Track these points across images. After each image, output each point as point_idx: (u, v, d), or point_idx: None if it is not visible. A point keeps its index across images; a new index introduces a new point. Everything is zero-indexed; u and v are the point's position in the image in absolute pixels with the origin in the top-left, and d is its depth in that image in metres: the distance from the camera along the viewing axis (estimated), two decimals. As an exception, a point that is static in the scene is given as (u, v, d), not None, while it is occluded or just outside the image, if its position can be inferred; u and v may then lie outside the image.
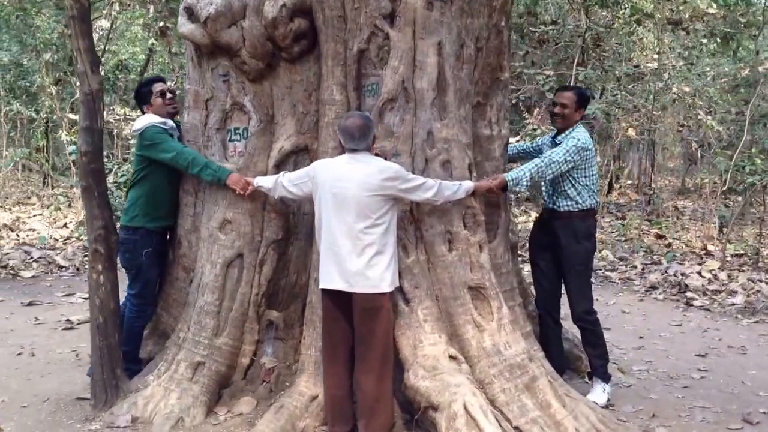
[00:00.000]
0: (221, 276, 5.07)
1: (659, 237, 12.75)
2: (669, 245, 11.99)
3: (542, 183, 5.35)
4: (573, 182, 5.16)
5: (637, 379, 5.95)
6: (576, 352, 5.89)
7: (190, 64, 5.30)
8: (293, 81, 5.03)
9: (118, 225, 5.33)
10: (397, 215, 4.65)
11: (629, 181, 19.76)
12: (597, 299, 8.41)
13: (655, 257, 11.15)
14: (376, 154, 4.67)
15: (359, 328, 4.36)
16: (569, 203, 5.19)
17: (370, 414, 4.37)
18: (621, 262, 10.92)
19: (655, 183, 18.80)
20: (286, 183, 4.64)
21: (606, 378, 5.34)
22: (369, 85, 4.77)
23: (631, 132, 15.24)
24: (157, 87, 5.38)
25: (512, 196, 5.92)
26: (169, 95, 5.35)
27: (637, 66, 14.92)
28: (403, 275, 4.67)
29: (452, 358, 4.61)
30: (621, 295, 9.17)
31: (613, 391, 5.54)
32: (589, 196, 5.22)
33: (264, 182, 4.79)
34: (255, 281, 5.09)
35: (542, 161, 4.97)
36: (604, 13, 14.20)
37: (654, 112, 14.87)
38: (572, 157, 5.02)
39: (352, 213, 4.25)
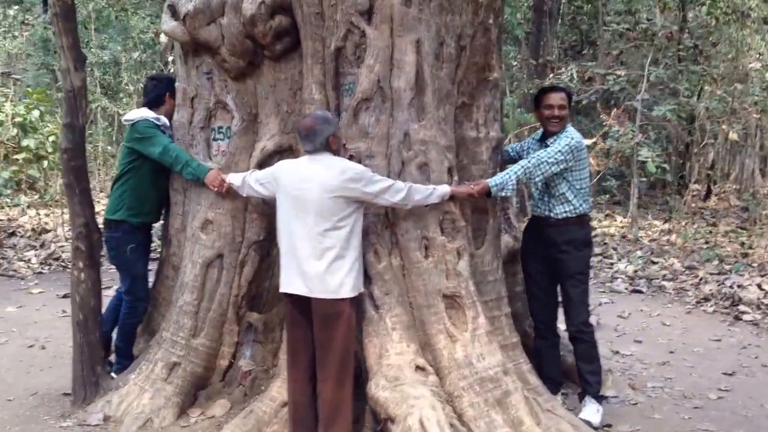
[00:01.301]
0: (201, 276, 5.10)
1: (743, 246, 12.21)
2: (745, 255, 11.45)
3: (533, 188, 5.17)
4: (569, 186, 4.98)
5: (647, 397, 5.71)
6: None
7: (178, 61, 5.37)
8: (277, 79, 5.03)
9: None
10: (370, 218, 4.60)
11: (735, 186, 18.93)
12: (641, 310, 8.24)
13: (725, 267, 10.67)
14: (351, 156, 4.61)
15: (318, 334, 4.31)
16: (567, 209, 5.02)
17: (328, 422, 4.33)
18: (687, 272, 10.48)
19: (763, 188, 17.91)
20: (253, 182, 4.63)
21: (599, 398, 5.13)
22: (347, 84, 4.72)
23: (733, 135, 14.64)
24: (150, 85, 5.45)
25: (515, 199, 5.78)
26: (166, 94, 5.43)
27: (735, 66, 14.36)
28: (373, 281, 4.61)
29: (419, 368, 4.51)
30: (669, 307, 8.83)
31: (615, 409, 5.37)
32: (584, 201, 5.05)
33: (234, 180, 4.80)
34: (235, 282, 5.11)
35: (529, 162, 4.82)
36: (698, 13, 13.79)
37: (755, 115, 14.32)
38: (565, 158, 4.86)
39: (311, 215, 4.21)
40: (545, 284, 5.20)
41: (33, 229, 11.52)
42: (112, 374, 5.44)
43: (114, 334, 5.64)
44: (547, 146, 5.01)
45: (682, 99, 12.30)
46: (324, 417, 4.34)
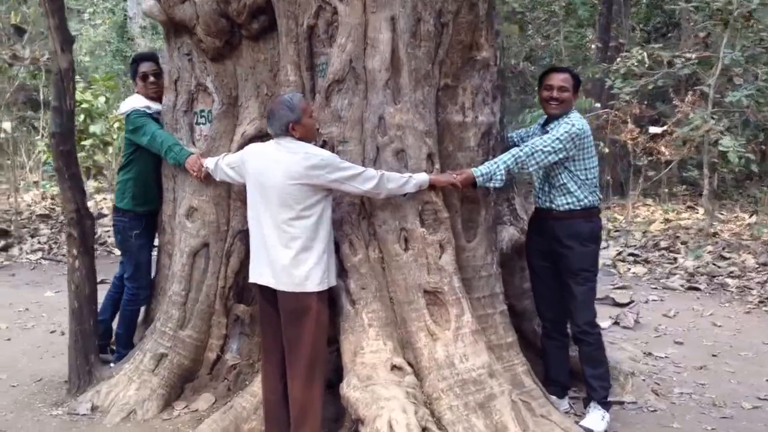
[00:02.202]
0: (188, 266, 5.04)
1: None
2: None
3: (536, 178, 4.84)
4: (571, 176, 4.64)
5: (669, 404, 5.31)
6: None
7: (165, 42, 5.26)
8: (256, 60, 4.88)
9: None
10: (345, 208, 4.41)
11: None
12: (692, 308, 7.78)
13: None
14: (324, 142, 4.42)
15: (285, 330, 4.16)
16: (570, 201, 4.68)
17: (297, 422, 4.19)
18: (760, 269, 9.79)
19: None
20: (224, 166, 4.51)
21: (606, 405, 4.78)
22: (320, 64, 4.54)
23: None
24: (142, 68, 5.40)
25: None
26: (151, 78, 5.34)
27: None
28: (349, 275, 4.43)
29: (396, 368, 4.32)
30: (726, 306, 8.26)
31: (629, 416, 5.03)
32: (591, 193, 4.70)
33: (209, 164, 4.68)
34: (221, 273, 5.03)
35: (522, 150, 4.50)
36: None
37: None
38: (564, 146, 4.52)
39: (275, 202, 4.06)
40: (550, 280, 4.88)
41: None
42: (112, 363, 5.45)
43: (115, 324, 5.65)
44: (547, 132, 4.67)
45: (761, 83, 11.40)
46: (293, 417, 4.20)
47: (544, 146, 4.51)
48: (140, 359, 5.11)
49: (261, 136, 4.86)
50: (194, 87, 5.01)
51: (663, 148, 11.90)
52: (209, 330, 5.06)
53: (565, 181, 4.66)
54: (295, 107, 4.09)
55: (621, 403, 5.22)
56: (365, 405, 4.08)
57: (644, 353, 6.39)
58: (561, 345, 4.99)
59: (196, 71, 4.98)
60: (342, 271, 4.44)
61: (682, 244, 11.12)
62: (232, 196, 4.96)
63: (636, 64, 11.89)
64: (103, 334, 5.70)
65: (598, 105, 12.77)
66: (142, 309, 5.67)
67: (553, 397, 4.92)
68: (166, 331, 5.06)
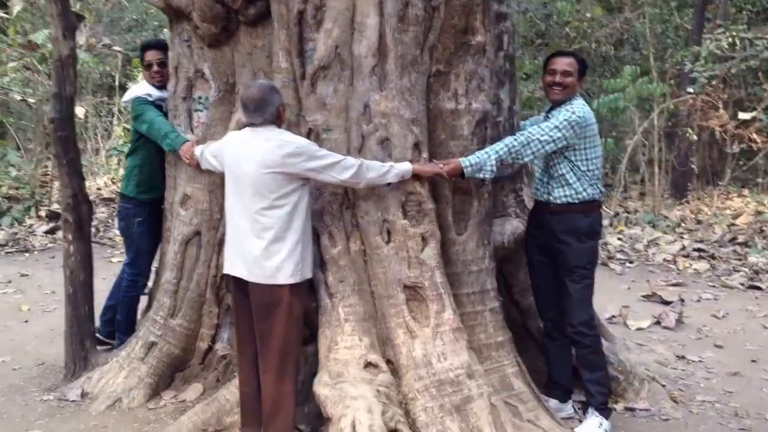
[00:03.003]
0: (180, 254, 5.03)
1: None
2: None
3: (536, 167, 4.66)
4: (571, 167, 4.44)
5: (687, 413, 5.06)
6: (609, 371, 5.08)
7: (169, 29, 5.24)
8: (254, 47, 4.81)
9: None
10: (326, 198, 4.33)
11: None
12: (746, 309, 7.46)
13: None
14: (309, 130, 4.33)
15: (257, 323, 4.10)
16: (568, 193, 4.49)
17: (268, 418, 4.12)
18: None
19: None
20: (207, 154, 4.47)
21: (606, 411, 4.58)
22: (308, 50, 4.43)
23: None
24: (146, 56, 5.41)
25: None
26: (155, 68, 5.35)
27: None
28: (328, 267, 4.35)
29: (371, 365, 4.22)
30: (787, 308, 7.85)
31: (638, 425, 4.83)
32: (591, 185, 4.50)
33: (197, 151, 4.65)
34: (213, 262, 4.99)
35: (517, 139, 4.33)
36: None
37: None
38: (563, 134, 4.33)
39: (248, 191, 3.99)
40: (549, 277, 4.69)
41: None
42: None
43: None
44: (548, 119, 4.48)
45: None
46: (265, 411, 4.14)
47: (542, 135, 4.33)
48: (132, 347, 5.12)
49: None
50: (193, 73, 4.98)
51: (754, 135, 11.37)
52: (200, 319, 5.04)
53: (563, 171, 4.47)
54: (275, 91, 4.04)
55: (632, 409, 5.01)
56: (333, 403, 4.01)
57: (677, 356, 6.13)
58: (562, 345, 4.79)
59: (195, 58, 4.96)
60: (322, 264, 4.34)
61: (764, 239, 10.63)
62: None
63: (726, 47, 11.35)
64: (110, 320, 5.75)
65: (691, 90, 12.16)
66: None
67: (553, 402, 4.76)
68: (157, 320, 5.07)
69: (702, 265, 9.35)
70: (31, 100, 11.67)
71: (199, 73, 4.95)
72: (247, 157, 3.99)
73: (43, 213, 11.06)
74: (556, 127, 4.34)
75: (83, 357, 5.26)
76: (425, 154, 4.33)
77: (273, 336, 4.03)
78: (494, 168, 4.31)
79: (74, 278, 5.22)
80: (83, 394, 5.00)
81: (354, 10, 4.27)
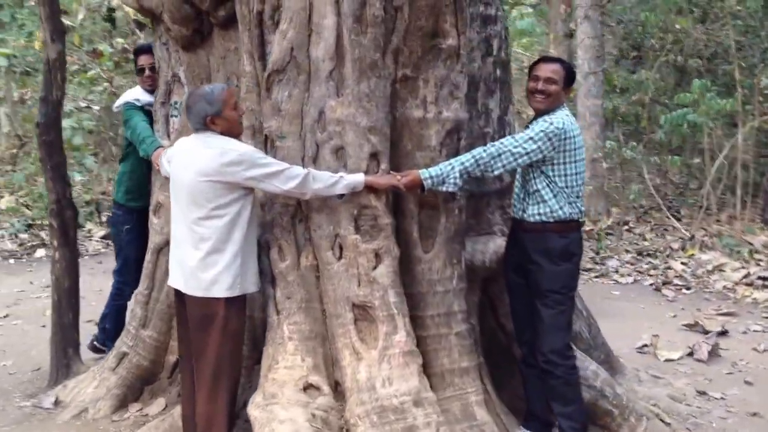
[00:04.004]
0: (151, 263, 5.01)
1: None
2: None
3: (516, 183, 4.36)
4: (548, 182, 4.13)
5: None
6: (603, 405, 4.74)
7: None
8: (227, 50, 4.72)
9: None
10: (277, 209, 4.17)
11: None
12: None
13: None
14: (266, 137, 4.19)
15: (192, 337, 3.98)
16: (542, 211, 4.17)
17: (200, 438, 3.95)
18: None
19: None
20: (164, 160, 4.39)
21: None
22: (269, 53, 4.27)
23: None
24: (139, 61, 5.41)
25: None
26: (147, 72, 5.33)
27: None
28: (276, 282, 4.16)
29: (312, 387, 4.00)
30: None
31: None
32: (569, 203, 4.16)
33: (163, 158, 4.54)
34: (185, 272, 4.86)
35: (486, 150, 4.05)
36: None
37: None
38: (537, 146, 4.03)
39: (185, 199, 3.89)
40: (526, 300, 4.36)
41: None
42: None
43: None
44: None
45: None
46: (198, 431, 3.97)
47: (514, 146, 4.03)
48: (107, 357, 5.11)
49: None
50: (170, 77, 4.95)
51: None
52: (170, 331, 4.97)
53: (539, 187, 4.16)
54: (214, 99, 3.89)
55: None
56: (260, 425, 3.85)
57: (697, 392, 5.64)
58: (539, 372, 4.43)
59: (172, 61, 4.93)
60: (272, 278, 4.17)
61: None
62: (198, 192, 4.80)
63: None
64: (106, 328, 5.76)
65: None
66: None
67: (528, 435, 4.43)
68: (130, 330, 5.05)
69: (762, 295, 8.65)
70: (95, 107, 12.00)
71: (176, 77, 4.89)
72: (187, 164, 3.89)
73: (104, 218, 11.30)
74: (531, 138, 4.04)
75: (66, 365, 5.28)
76: (384, 165, 4.10)
77: (207, 351, 3.90)
78: (458, 181, 4.03)
79: (59, 285, 5.24)
80: (57, 402, 5.02)
81: (311, 10, 4.09)
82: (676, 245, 10.53)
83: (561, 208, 4.14)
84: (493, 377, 4.71)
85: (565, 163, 4.13)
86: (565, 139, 4.08)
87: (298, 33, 4.11)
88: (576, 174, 4.16)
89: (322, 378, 4.05)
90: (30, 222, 11.21)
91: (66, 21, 12.28)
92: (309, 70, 4.12)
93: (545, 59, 4.38)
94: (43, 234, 11.08)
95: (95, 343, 5.78)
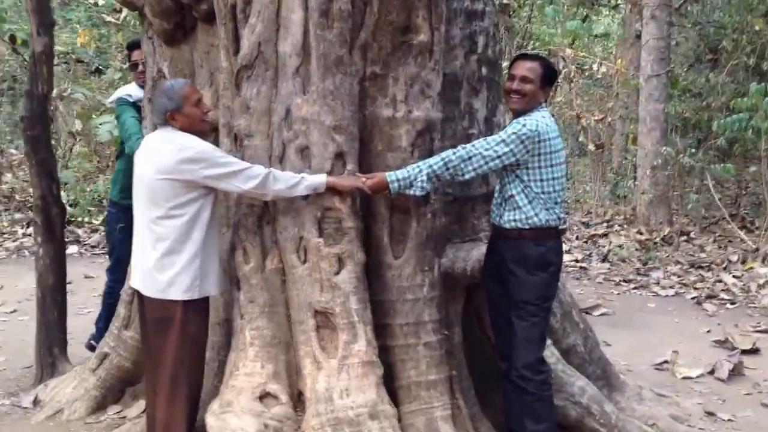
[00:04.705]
0: (133, 262, 4.89)
1: None
2: None
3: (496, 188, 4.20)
4: (523, 187, 3.96)
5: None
6: (589, 423, 4.56)
7: (143, 26, 5.18)
8: (211, 45, 4.65)
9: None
10: (243, 209, 4.09)
11: None
12: None
13: None
14: (235, 135, 4.11)
15: (150, 339, 3.92)
16: (517, 217, 4.01)
17: (159, 443, 3.89)
18: None
19: None
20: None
21: None
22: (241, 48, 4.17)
23: None
24: (132, 56, 5.38)
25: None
26: (140, 67, 5.30)
27: None
28: (241, 285, 4.06)
29: (270, 395, 3.91)
30: None
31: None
32: (546, 209, 3.98)
33: None
34: (165, 272, 4.81)
35: (456, 153, 3.90)
36: None
37: None
38: (510, 149, 3.87)
39: (144, 197, 3.85)
40: (505, 310, 4.18)
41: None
42: None
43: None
44: None
45: None
46: (155, 436, 3.92)
47: (486, 149, 3.88)
48: (90, 357, 5.07)
49: (215, 128, 4.61)
50: (156, 73, 4.89)
51: None
52: (150, 333, 4.89)
53: (513, 192, 4.00)
54: (174, 95, 3.84)
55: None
56: (212, 435, 3.74)
57: (706, 412, 5.37)
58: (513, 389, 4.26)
59: (157, 56, 4.87)
60: (238, 282, 4.09)
61: None
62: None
63: None
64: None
65: None
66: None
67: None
68: (113, 330, 5.01)
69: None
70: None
71: (161, 72, 4.84)
72: (146, 160, 3.85)
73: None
74: (503, 140, 3.88)
75: (51, 363, 5.28)
76: (350, 166, 3.97)
77: (165, 355, 3.85)
78: (425, 185, 3.89)
79: (43, 282, 5.24)
80: (35, 402, 5.01)
81: (279, 3, 4.00)
82: (734, 258, 10.13)
83: (536, 214, 3.97)
84: (478, 391, 4.58)
85: (540, 168, 3.96)
86: (539, 141, 3.90)
87: (267, 27, 4.02)
88: (553, 179, 3.99)
89: (281, 386, 3.95)
90: (69, 219, 11.34)
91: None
92: (277, 66, 4.03)
93: (523, 56, 4.21)
94: (80, 231, 11.26)
95: (92, 342, 5.78)
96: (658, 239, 11.06)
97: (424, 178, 3.88)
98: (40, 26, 5.11)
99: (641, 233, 11.34)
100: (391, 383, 4.08)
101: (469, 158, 3.88)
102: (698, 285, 9.11)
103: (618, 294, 8.78)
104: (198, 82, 4.70)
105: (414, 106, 4.11)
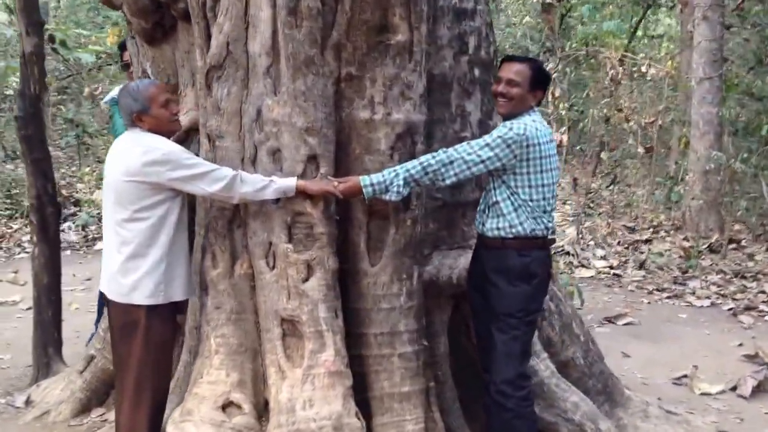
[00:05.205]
0: (122, 264, 4.86)
1: None
2: None
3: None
4: (509, 194, 3.80)
5: None
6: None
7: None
8: (191, 44, 4.55)
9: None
10: (213, 212, 4.01)
11: None
12: None
13: None
14: (208, 136, 4.04)
15: (116, 344, 3.87)
16: (501, 225, 3.85)
17: (121, 452, 3.85)
18: None
19: None
20: None
21: None
22: (213, 47, 4.10)
23: None
24: (124, 56, 5.38)
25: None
26: (131, 68, 5.25)
27: None
28: (209, 291, 3.98)
29: (233, 405, 3.84)
30: None
31: None
32: (533, 218, 3.81)
33: None
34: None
35: (436, 157, 3.75)
36: None
37: None
38: (494, 153, 3.71)
39: (111, 199, 3.79)
40: (487, 321, 4.02)
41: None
42: None
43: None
44: None
45: None
46: (118, 444, 3.88)
47: (468, 153, 3.72)
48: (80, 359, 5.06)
49: (197, 128, 4.55)
50: (141, 73, 4.84)
51: None
52: (138, 335, 4.86)
53: (498, 199, 3.83)
54: (139, 96, 3.78)
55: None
56: (170, 444, 3.68)
57: (719, 432, 5.13)
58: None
59: (140, 56, 4.82)
60: (206, 287, 4.01)
61: None
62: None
63: None
64: None
65: None
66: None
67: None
68: (100, 332, 5.00)
69: None
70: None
71: (145, 73, 4.79)
72: (112, 162, 3.80)
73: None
74: (488, 144, 3.72)
75: (46, 363, 5.31)
76: (324, 169, 3.86)
77: (129, 361, 3.81)
78: (402, 189, 3.74)
79: (38, 282, 5.25)
80: (28, 402, 5.02)
81: (247, 1, 3.90)
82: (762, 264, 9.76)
83: (521, 223, 3.80)
84: (464, 403, 4.44)
85: (528, 174, 3.79)
86: (527, 146, 3.73)
87: (235, 26, 3.93)
88: (542, 186, 3.81)
89: (245, 395, 3.87)
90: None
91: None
92: (247, 66, 3.94)
93: (510, 58, 4.03)
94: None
95: (93, 342, 5.78)
96: (704, 247, 10.67)
97: (401, 182, 3.74)
98: (29, 26, 5.11)
99: (687, 240, 10.98)
100: (364, 394, 3.98)
101: (450, 162, 3.73)
102: (738, 296, 8.71)
103: (649, 303, 8.45)
104: (182, 81, 4.65)
105: (393, 108, 3.97)
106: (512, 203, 3.81)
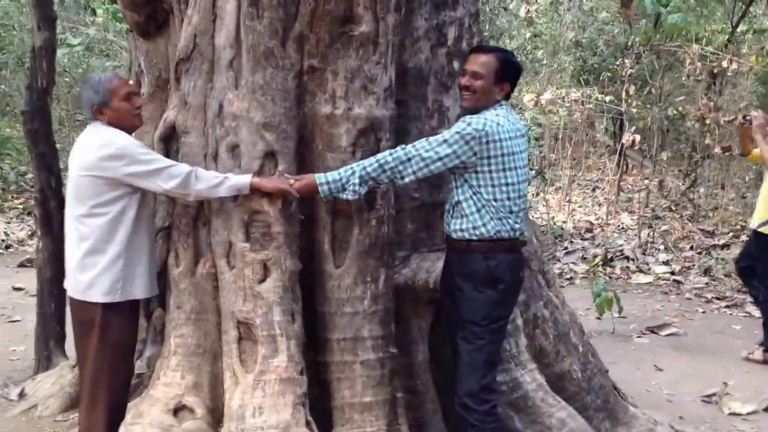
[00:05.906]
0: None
1: None
2: None
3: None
4: (472, 193, 3.61)
5: None
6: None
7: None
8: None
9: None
10: (178, 210, 3.96)
11: None
12: None
13: None
14: (174, 131, 4.00)
15: (76, 342, 3.85)
16: (464, 227, 3.66)
17: (79, 452, 3.84)
18: None
19: None
20: None
21: None
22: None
23: None
24: None
25: None
26: None
27: None
28: (171, 290, 3.92)
29: (186, 408, 3.78)
30: None
31: None
32: (498, 219, 3.60)
33: None
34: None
35: (394, 154, 3.59)
36: None
37: None
38: (453, 150, 3.53)
39: (70, 194, 3.77)
40: (458, 329, 3.83)
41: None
42: None
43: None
44: None
45: None
46: (77, 442, 3.86)
47: (426, 150, 3.54)
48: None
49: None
50: (137, 68, 4.82)
51: None
52: (131, 331, 4.86)
53: (461, 198, 3.65)
54: (100, 88, 3.74)
55: None
56: (117, 447, 3.64)
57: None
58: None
59: (136, 51, 4.80)
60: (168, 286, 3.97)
61: None
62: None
63: None
64: None
65: None
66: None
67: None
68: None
69: None
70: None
71: (140, 67, 4.77)
72: (73, 156, 3.78)
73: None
74: (446, 141, 3.54)
75: (46, 356, 5.35)
76: (282, 166, 3.75)
77: (87, 359, 3.77)
78: (358, 188, 3.59)
79: (41, 275, 5.30)
80: (21, 394, 5.07)
81: (216, -7, 3.83)
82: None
83: (485, 224, 3.60)
84: (446, 417, 4.25)
85: (491, 172, 3.58)
86: (487, 143, 3.53)
87: (203, 18, 3.88)
88: (507, 185, 3.60)
89: (200, 399, 3.82)
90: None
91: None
92: (212, 59, 3.87)
93: (477, 49, 3.83)
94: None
95: None
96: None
97: (357, 181, 3.59)
98: (41, 20, 5.17)
99: (767, 246, 10.41)
100: (326, 403, 3.85)
101: (408, 160, 3.56)
102: (805, 307, 8.21)
103: (703, 312, 8.02)
104: (171, 76, 4.60)
105: (355, 103, 3.83)
106: (475, 203, 3.61)
